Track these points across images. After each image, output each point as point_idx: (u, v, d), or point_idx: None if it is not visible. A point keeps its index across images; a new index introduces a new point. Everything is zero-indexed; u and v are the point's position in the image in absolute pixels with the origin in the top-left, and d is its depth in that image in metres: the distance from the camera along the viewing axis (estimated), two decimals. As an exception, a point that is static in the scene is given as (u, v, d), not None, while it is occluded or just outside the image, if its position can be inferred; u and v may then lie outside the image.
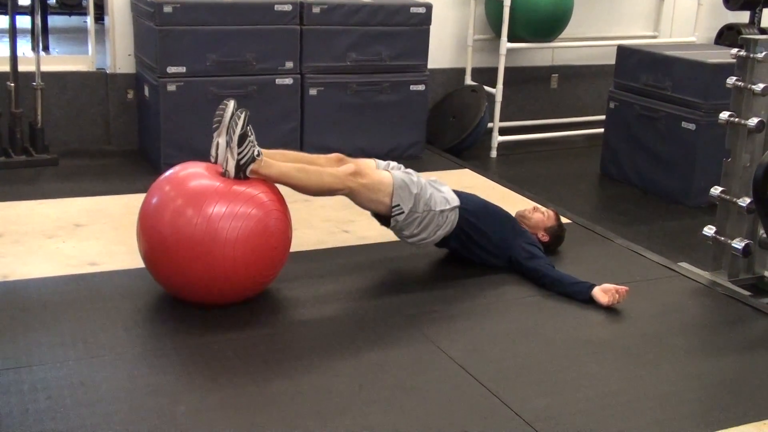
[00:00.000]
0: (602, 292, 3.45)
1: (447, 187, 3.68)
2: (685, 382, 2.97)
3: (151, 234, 3.16)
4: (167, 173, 3.28)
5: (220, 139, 3.20)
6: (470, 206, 3.67)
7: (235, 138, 3.13)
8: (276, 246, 3.21)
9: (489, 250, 3.69)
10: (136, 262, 3.60)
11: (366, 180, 3.41)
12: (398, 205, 3.45)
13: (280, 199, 3.27)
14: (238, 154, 3.15)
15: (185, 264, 3.08)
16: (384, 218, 3.55)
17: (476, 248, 3.68)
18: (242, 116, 3.15)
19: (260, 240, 3.12)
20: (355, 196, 3.42)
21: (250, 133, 3.17)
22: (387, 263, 3.77)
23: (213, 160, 3.25)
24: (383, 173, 3.50)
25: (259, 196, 3.15)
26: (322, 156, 3.57)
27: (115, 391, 2.65)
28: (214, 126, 3.23)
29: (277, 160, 3.32)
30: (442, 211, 3.55)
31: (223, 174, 3.18)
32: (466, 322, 3.31)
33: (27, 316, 3.09)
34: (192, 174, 3.23)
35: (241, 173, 3.17)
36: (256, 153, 3.18)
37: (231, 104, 3.20)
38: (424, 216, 3.51)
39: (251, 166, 3.18)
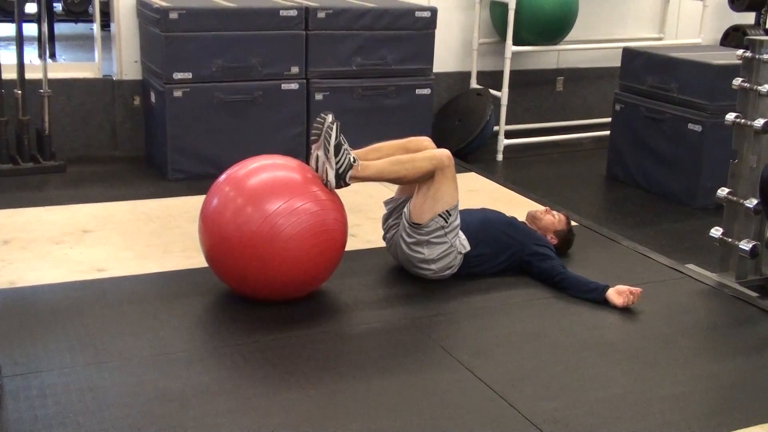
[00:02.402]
0: (617, 294, 3.45)
1: (464, 235, 3.63)
2: (694, 384, 2.96)
3: (213, 231, 3.23)
4: (229, 171, 3.33)
5: (319, 152, 3.28)
6: (474, 242, 3.61)
7: (331, 149, 3.25)
8: (334, 244, 3.29)
9: (503, 262, 3.69)
10: (144, 267, 3.63)
11: (454, 173, 3.46)
12: (451, 214, 3.46)
13: (337, 198, 3.34)
14: (336, 163, 3.25)
15: (247, 262, 3.16)
16: (413, 219, 3.49)
17: (489, 269, 3.68)
18: (334, 127, 3.26)
19: (318, 238, 3.21)
20: (437, 178, 3.41)
21: (343, 142, 3.28)
22: (393, 267, 3.76)
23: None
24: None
25: (318, 193, 3.23)
26: (413, 139, 3.59)
27: (124, 397, 2.66)
28: (312, 138, 3.32)
29: (372, 158, 3.42)
30: (459, 253, 3.56)
31: (325, 184, 3.28)
32: (474, 325, 3.31)
33: (35, 322, 3.10)
34: (253, 170, 3.30)
35: (342, 182, 3.29)
36: (352, 159, 3.29)
37: (329, 118, 3.29)
38: (450, 247, 3.51)
39: (350, 173, 3.28)
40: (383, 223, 3.70)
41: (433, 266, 3.54)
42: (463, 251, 3.58)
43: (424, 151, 3.48)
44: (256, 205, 3.16)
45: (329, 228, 3.24)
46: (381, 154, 3.48)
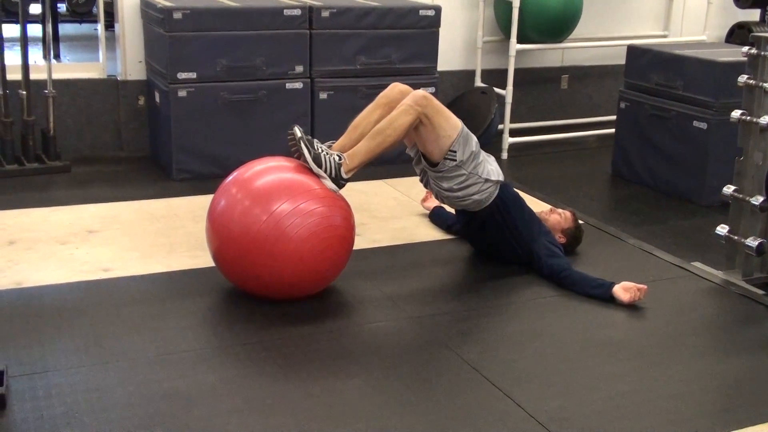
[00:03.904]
0: (623, 290, 3.45)
1: (496, 164, 3.70)
2: (700, 382, 2.96)
3: (220, 231, 3.25)
4: (236, 172, 3.36)
5: (308, 166, 3.30)
6: (510, 189, 3.74)
7: (312, 165, 3.25)
8: (339, 243, 3.30)
9: (515, 236, 3.70)
10: (149, 267, 3.63)
11: (438, 106, 3.45)
12: (455, 150, 3.47)
13: (343, 199, 3.36)
14: (325, 171, 3.26)
15: (253, 261, 3.18)
16: (428, 160, 3.53)
17: (505, 231, 3.69)
18: (303, 143, 3.26)
19: (326, 237, 3.22)
20: (425, 122, 3.40)
21: (319, 149, 3.27)
22: (398, 266, 3.77)
23: None
24: (455, 116, 3.52)
25: (324, 193, 3.25)
26: (383, 95, 3.54)
27: (130, 397, 2.66)
28: (293, 153, 3.34)
29: (353, 139, 3.41)
30: (486, 180, 3.58)
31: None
32: (479, 324, 3.31)
33: (41, 323, 3.11)
34: (259, 172, 3.32)
35: (341, 181, 3.31)
36: (336, 158, 3.30)
37: (297, 133, 3.29)
38: (469, 177, 3.53)
39: (342, 170, 3.29)
40: (417, 172, 3.72)
41: (458, 193, 3.57)
42: (493, 178, 3.60)
43: (398, 106, 3.42)
44: (263, 206, 3.17)
45: (336, 228, 3.25)
46: (361, 130, 3.45)
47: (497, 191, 3.64)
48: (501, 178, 3.66)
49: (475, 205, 3.63)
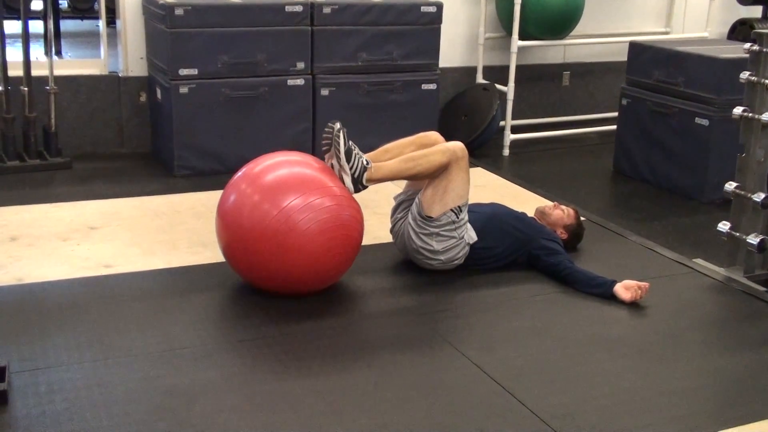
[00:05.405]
0: (624, 289, 3.45)
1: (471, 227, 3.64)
2: (701, 379, 2.96)
3: (230, 226, 3.26)
4: (247, 167, 3.37)
5: (333, 161, 3.35)
6: (481, 234, 3.63)
7: (342, 156, 3.31)
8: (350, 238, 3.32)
9: (510, 254, 3.70)
10: (150, 264, 3.63)
11: (468, 168, 3.49)
12: (461, 210, 3.49)
13: (353, 197, 3.39)
14: (350, 168, 3.32)
15: (263, 256, 3.19)
16: (423, 211, 3.51)
17: (495, 262, 3.69)
18: (341, 134, 3.32)
19: (336, 234, 3.24)
20: (450, 171, 3.44)
21: (353, 147, 3.34)
22: (400, 262, 3.76)
23: None
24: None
25: (334, 189, 3.27)
26: (421, 135, 3.64)
27: (131, 393, 2.66)
28: (324, 148, 3.39)
29: (383, 159, 3.48)
30: (467, 244, 3.58)
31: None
32: (481, 320, 3.31)
33: (42, 319, 3.11)
34: (270, 166, 3.34)
35: (359, 185, 3.36)
36: (365, 162, 3.36)
37: (336, 126, 3.35)
38: (457, 242, 3.54)
39: (365, 175, 3.35)
40: (391, 216, 3.72)
41: (441, 257, 3.56)
42: (471, 242, 3.59)
43: (438, 145, 3.52)
44: (273, 201, 3.18)
45: (345, 223, 3.26)
46: (392, 155, 3.53)
47: (469, 250, 3.61)
48: (474, 240, 3.61)
49: (455, 266, 3.62)
